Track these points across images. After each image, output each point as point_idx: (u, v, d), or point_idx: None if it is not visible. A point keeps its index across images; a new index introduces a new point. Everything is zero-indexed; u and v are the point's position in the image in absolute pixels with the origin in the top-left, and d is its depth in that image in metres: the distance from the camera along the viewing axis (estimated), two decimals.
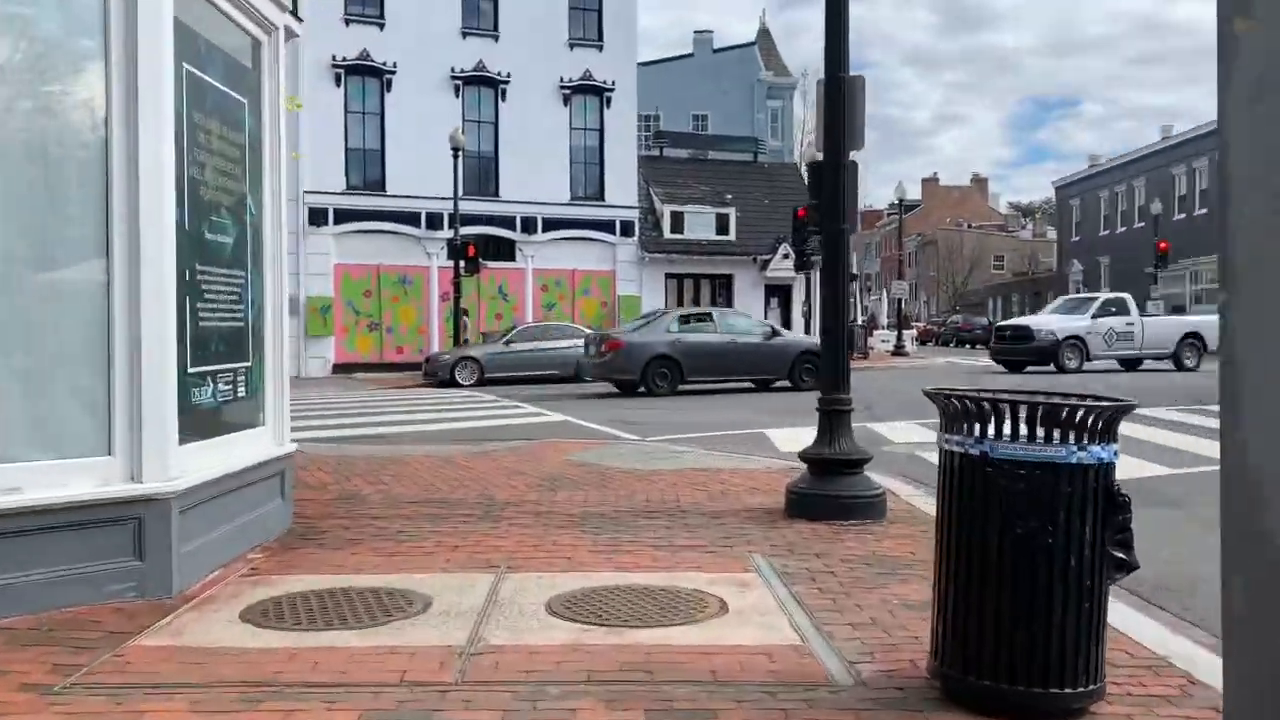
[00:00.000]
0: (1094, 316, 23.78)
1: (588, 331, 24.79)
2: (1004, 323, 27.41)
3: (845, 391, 6.24)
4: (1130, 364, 24.49)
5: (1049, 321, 24.34)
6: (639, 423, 12.97)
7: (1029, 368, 23.84)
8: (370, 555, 5.11)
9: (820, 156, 6.53)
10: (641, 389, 17.94)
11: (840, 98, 6.20)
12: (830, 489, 6.03)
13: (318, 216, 27.08)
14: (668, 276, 31.34)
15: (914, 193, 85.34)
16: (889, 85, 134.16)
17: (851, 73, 6.26)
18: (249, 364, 5.36)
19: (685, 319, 19.47)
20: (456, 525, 5.89)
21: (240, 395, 5.27)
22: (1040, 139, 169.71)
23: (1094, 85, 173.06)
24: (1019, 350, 23.88)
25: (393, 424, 13.26)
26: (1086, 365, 23.39)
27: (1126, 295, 25.11)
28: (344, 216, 27.42)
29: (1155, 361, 24.46)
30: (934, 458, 3.61)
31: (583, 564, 4.90)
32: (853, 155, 6.37)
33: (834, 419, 6.20)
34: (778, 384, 19.03)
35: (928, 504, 6.33)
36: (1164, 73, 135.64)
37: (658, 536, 5.54)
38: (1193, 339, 24.21)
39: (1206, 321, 25.09)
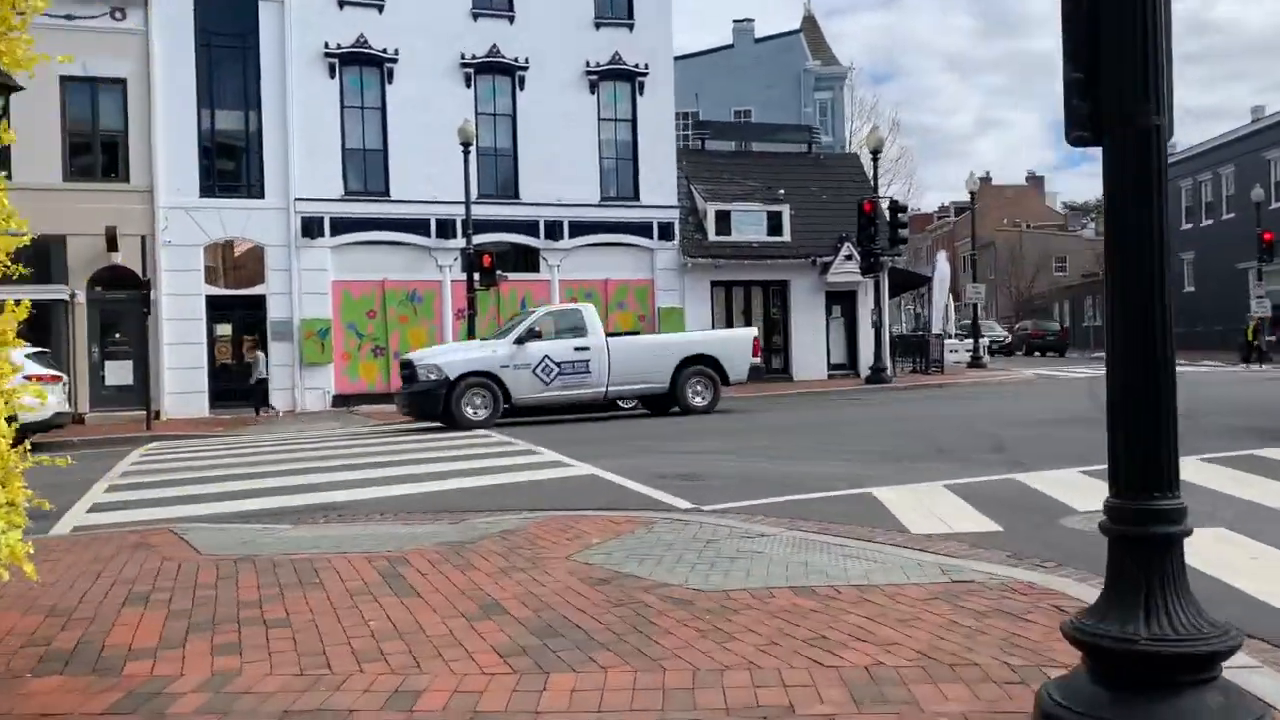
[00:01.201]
0: (517, 341, 17.21)
1: None
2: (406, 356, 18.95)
3: (1171, 491, 2.83)
4: (587, 406, 18.00)
5: (439, 354, 17.68)
6: (694, 474, 9.58)
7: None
8: None
9: None
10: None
11: None
12: None
13: (312, 227, 24.09)
14: (714, 285, 27.95)
15: (963, 195, 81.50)
16: (927, 92, 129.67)
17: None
18: None
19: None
20: None
21: None
22: None
23: None
24: (407, 396, 17.19)
25: (359, 484, 10.01)
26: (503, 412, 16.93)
27: (583, 306, 19.07)
28: (342, 226, 24.40)
29: (629, 403, 18.95)
30: None
31: None
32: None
33: (1150, 554, 2.79)
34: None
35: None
36: (1202, 71, 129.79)
37: None
38: (701, 365, 18.13)
39: (715, 339, 19.83)
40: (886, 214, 26.98)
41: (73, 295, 22.18)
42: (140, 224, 22.44)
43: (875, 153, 28.10)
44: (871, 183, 28.86)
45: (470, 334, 22.32)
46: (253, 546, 6.67)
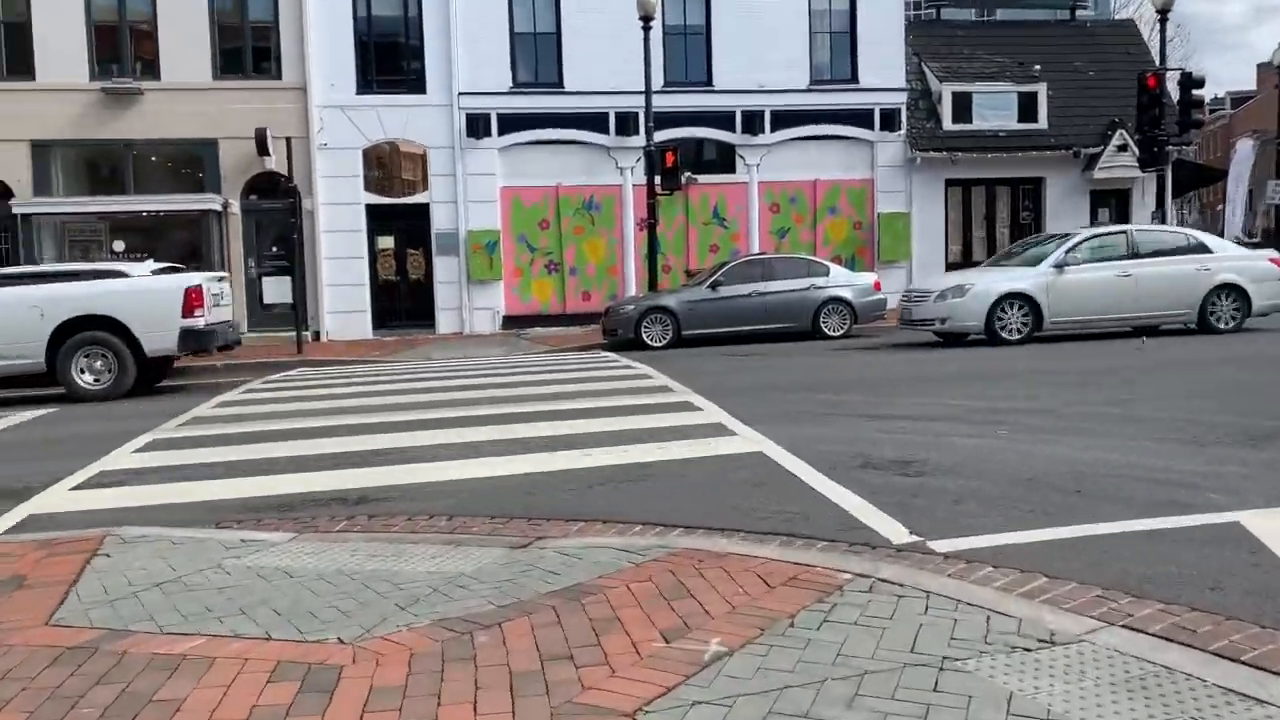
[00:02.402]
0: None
1: (834, 268, 18.07)
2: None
3: None
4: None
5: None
6: (923, 462, 6.20)
7: None
8: None
9: None
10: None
11: None
12: None
13: (477, 125, 21.70)
14: (949, 184, 23.61)
15: (1238, 85, 70.28)
16: None
17: None
18: None
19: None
20: None
21: None
22: None
23: None
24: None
25: (440, 452, 7.32)
26: None
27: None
28: (511, 124, 21.88)
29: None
30: None
31: None
32: None
33: None
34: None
35: None
36: None
37: None
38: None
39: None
40: (1176, 91, 21.61)
41: (226, 205, 20.87)
42: (293, 125, 20.76)
43: (1163, 12, 22.55)
44: (1153, 56, 23.40)
45: (652, 248, 19.37)
46: (155, 603, 4.06)
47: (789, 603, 3.68)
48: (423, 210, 21.90)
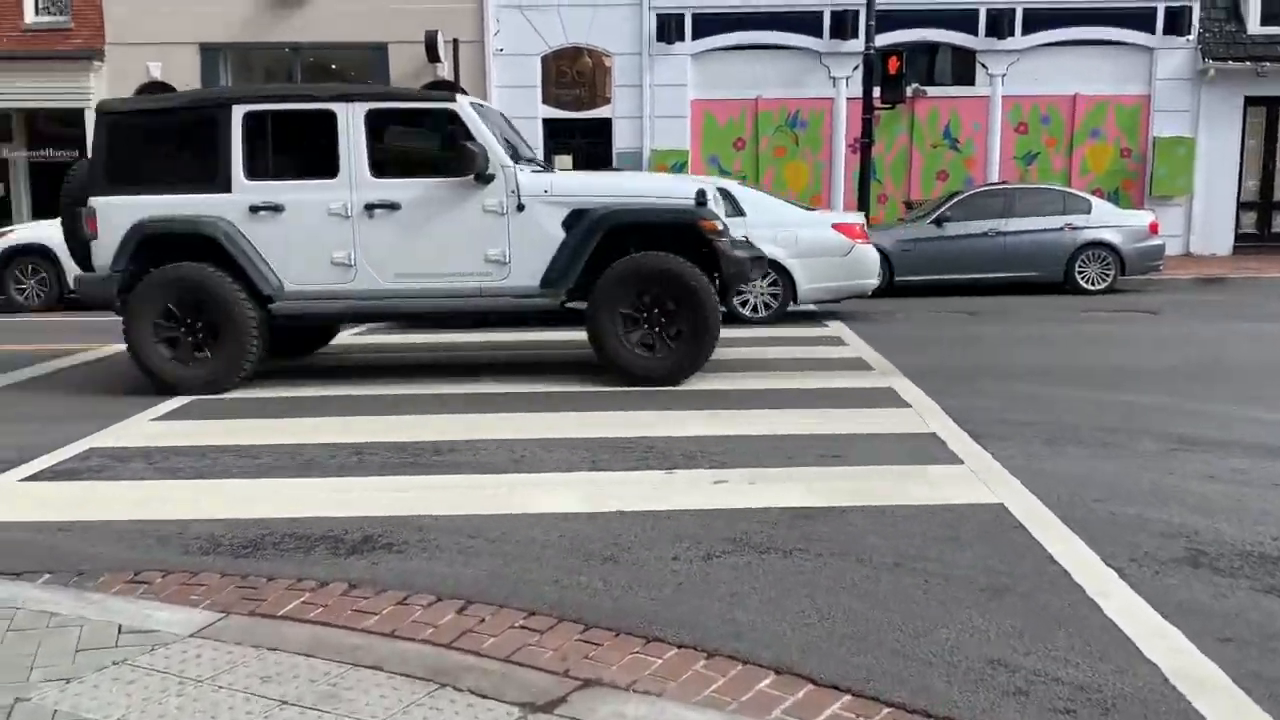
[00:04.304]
0: None
1: (1096, 203, 14.77)
2: None
3: None
4: None
5: None
6: (1206, 541, 3.55)
7: None
8: None
9: None
10: None
11: None
12: None
13: (669, 27, 19.24)
14: (1249, 103, 19.24)
15: None
16: None
17: None
18: None
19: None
20: None
21: None
22: None
23: None
24: None
25: (505, 456, 5.22)
26: None
27: None
28: (707, 26, 19.29)
29: None
30: None
31: None
32: None
33: None
34: None
35: None
36: None
37: None
38: None
39: None
40: None
41: None
42: (467, 27, 19.02)
43: None
44: None
45: (864, 174, 16.50)
46: None
47: None
48: (604, 126, 19.78)
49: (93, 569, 3.83)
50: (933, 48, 19.28)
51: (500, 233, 7.19)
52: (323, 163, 7.27)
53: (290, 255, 7.25)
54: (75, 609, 3.39)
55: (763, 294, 11.19)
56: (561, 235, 7.20)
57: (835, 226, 11.31)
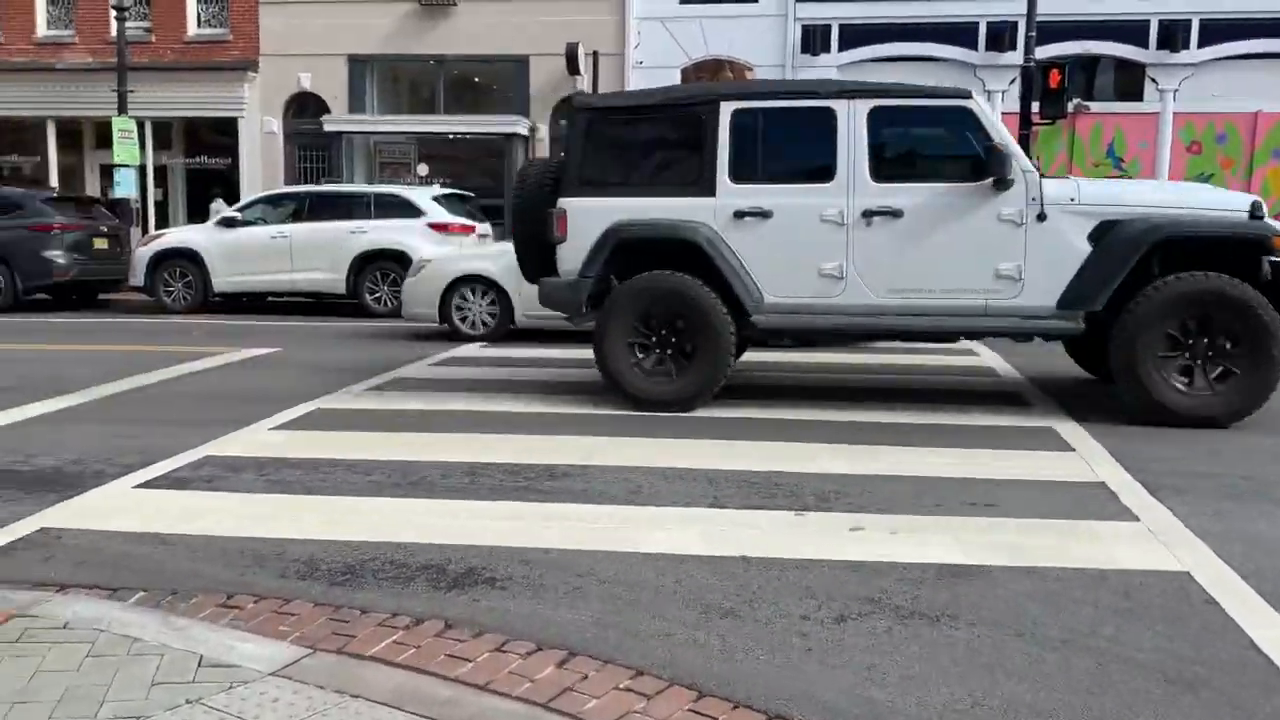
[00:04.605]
0: None
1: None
2: None
3: None
4: None
5: None
6: None
7: None
8: None
9: None
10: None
11: None
12: None
13: (814, 39, 18.75)
14: None
15: None
16: None
17: None
18: None
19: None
20: None
21: None
22: None
23: None
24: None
25: (620, 485, 4.89)
26: None
27: None
28: (855, 37, 18.72)
29: None
30: None
31: None
32: None
33: None
34: None
35: None
36: None
37: None
38: None
39: None
40: None
41: (533, 130, 19.51)
42: (607, 39, 18.97)
43: None
44: None
45: None
46: None
47: None
48: None
49: (186, 589, 3.67)
50: (1096, 60, 18.24)
51: (1016, 245, 6.43)
52: (817, 165, 6.68)
53: (775, 265, 6.69)
54: (158, 636, 3.21)
55: None
56: (1087, 249, 6.37)
57: None
